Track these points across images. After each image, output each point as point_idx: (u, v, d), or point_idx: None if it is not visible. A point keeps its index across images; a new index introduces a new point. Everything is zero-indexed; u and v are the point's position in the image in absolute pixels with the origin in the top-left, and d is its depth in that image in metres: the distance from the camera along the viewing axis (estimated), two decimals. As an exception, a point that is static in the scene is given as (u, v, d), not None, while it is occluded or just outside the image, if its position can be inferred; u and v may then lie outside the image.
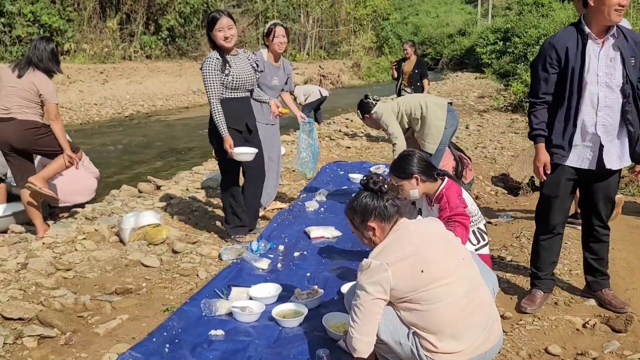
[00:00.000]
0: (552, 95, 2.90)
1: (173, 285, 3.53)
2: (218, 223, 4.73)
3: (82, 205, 5.39)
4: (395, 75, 8.89)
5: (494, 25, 28.73)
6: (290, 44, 27.94)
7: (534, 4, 27.65)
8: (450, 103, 5.03)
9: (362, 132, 9.81)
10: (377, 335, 2.18)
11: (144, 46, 20.36)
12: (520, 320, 2.97)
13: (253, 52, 4.49)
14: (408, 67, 8.65)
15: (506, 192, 6.17)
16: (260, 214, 4.76)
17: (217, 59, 3.91)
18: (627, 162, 2.94)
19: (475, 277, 2.20)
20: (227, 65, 3.93)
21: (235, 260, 3.82)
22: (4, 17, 15.67)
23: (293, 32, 28.27)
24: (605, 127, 2.83)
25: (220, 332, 2.84)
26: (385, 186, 2.30)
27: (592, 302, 3.15)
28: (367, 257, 2.21)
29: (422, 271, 2.06)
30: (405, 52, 8.76)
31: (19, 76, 4.25)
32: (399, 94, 8.45)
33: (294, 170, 6.68)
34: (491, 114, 11.78)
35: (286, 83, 4.89)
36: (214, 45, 3.96)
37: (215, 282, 3.43)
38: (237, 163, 4.09)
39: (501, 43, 24.18)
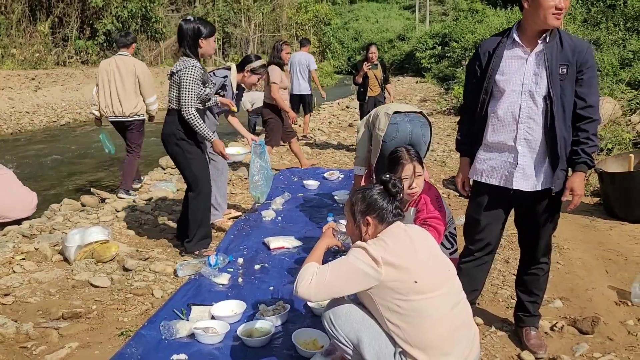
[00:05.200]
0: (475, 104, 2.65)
1: (127, 306, 3.29)
2: (170, 236, 4.49)
3: (18, 222, 5.00)
4: (360, 80, 7.86)
5: (432, 30, 29.49)
6: (232, 49, 27.58)
7: (469, 10, 28.68)
8: (421, 112, 4.05)
9: (311, 137, 9.73)
10: (362, 355, 2.07)
11: (79, 51, 19.43)
12: (490, 327, 2.95)
13: (215, 68, 4.55)
14: (378, 72, 7.84)
15: (458, 194, 6.25)
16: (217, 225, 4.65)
17: (200, 69, 3.73)
18: (543, 185, 2.53)
19: (459, 290, 2.15)
20: (205, 78, 3.80)
21: (192, 277, 3.62)
22: None
23: (234, 37, 27.90)
24: (527, 142, 2.52)
25: (182, 356, 2.64)
26: (402, 195, 2.24)
27: (557, 303, 3.19)
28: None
29: (415, 282, 1.99)
30: (371, 55, 7.77)
31: None
32: (376, 104, 7.50)
33: (246, 178, 6.50)
34: (435, 117, 12.00)
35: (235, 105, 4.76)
36: (193, 53, 3.74)
37: (173, 302, 3.22)
38: (208, 170, 4.03)
39: (440, 48, 24.83)
